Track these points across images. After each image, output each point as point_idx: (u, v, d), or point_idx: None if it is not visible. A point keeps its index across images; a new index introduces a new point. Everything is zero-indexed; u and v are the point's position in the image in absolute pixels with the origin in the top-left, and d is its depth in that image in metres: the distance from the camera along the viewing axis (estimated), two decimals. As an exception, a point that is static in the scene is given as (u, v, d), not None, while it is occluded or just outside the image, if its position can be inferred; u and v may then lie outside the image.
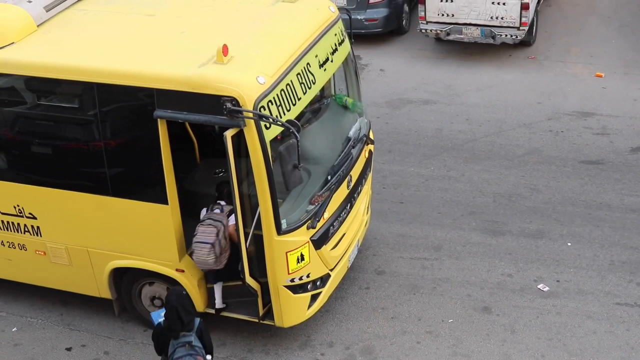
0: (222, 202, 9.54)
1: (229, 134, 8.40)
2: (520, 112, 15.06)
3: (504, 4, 16.25)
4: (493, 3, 16.29)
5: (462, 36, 16.88)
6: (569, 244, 11.60)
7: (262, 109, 8.38)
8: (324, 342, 10.24)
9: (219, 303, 9.90)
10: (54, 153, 9.70)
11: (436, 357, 9.89)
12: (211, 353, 8.46)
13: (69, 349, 10.43)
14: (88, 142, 9.41)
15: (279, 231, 8.96)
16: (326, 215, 9.55)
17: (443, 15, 16.79)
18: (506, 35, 16.50)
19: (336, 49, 10.00)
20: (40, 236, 10.14)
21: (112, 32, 9.73)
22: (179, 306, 8.11)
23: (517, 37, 16.49)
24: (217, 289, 9.86)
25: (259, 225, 9.01)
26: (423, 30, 17.14)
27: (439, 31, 16.97)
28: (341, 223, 9.98)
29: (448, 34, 16.96)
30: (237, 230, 8.98)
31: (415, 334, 10.27)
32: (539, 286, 10.88)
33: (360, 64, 16.53)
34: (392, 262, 11.50)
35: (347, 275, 10.73)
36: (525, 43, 17.28)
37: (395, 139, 14.46)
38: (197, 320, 8.38)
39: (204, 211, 9.66)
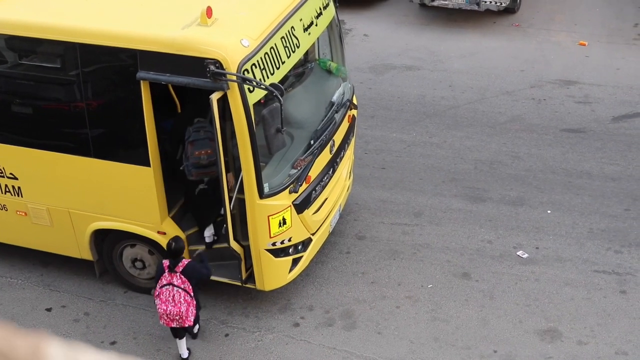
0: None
1: (215, 97, 8.36)
2: (503, 80, 15.08)
3: (489, -30, 16.22)
4: (478, -31, 16.26)
5: (446, 2, 16.85)
6: (549, 211, 11.68)
7: (245, 72, 8.34)
8: (303, 306, 10.29)
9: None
10: (35, 113, 9.63)
11: (415, 322, 9.97)
12: None
13: (49, 310, 10.44)
14: (70, 102, 9.35)
15: (261, 195, 8.97)
16: (308, 179, 9.55)
17: (428, -20, 16.76)
18: (490, 2, 16.48)
19: (321, 13, 9.95)
20: (22, 197, 10.11)
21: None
22: None
23: (501, 4, 16.48)
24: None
25: (241, 189, 9.02)
26: (408, -4, 17.08)
27: (423, -3, 16.93)
28: (323, 187, 10.00)
29: (432, 0, 16.91)
30: (221, 193, 8.96)
31: (394, 298, 10.34)
32: (518, 253, 10.96)
33: (344, 28, 16.45)
34: (373, 227, 11.55)
35: (327, 240, 10.77)
36: (509, 10, 17.27)
37: (378, 104, 14.45)
38: None
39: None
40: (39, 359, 0.99)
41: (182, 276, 8.87)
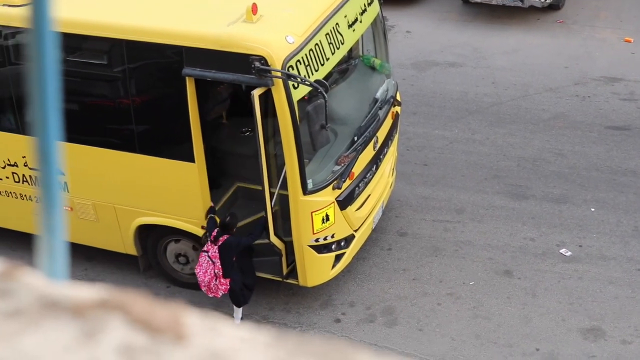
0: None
1: (256, 92, 8.41)
2: (547, 77, 14.97)
3: (533, -34, 16.11)
4: (522, -35, 16.15)
5: (490, -1, 16.75)
6: (593, 209, 11.59)
7: (290, 69, 8.38)
8: (345, 302, 10.32)
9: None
10: (82, 110, 9.74)
11: (457, 319, 9.96)
12: None
13: (93, 304, 10.55)
14: (116, 99, 9.46)
15: (305, 191, 9.01)
16: (352, 176, 9.58)
17: (471, -23, 16.68)
18: (534, -1, 16.36)
19: (365, 10, 9.96)
20: (68, 192, 10.23)
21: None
22: None
23: (545, 0, 16.34)
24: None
25: (283, 185, 9.06)
26: (450, -8, 17.02)
27: (466, -7, 16.85)
28: (367, 184, 10.02)
29: (475, -4, 16.83)
30: (262, 189, 9.02)
31: (436, 295, 10.33)
32: (561, 251, 10.89)
33: (387, 25, 16.42)
34: (415, 224, 11.54)
35: (369, 236, 10.78)
36: (553, 7, 17.11)
37: (420, 101, 14.42)
38: None
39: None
40: (179, 326, 1.05)
41: (218, 250, 9.27)
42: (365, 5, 9.97)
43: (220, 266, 9.25)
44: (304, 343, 1.04)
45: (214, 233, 9.31)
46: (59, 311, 1.06)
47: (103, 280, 10.87)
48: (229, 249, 9.25)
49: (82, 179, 10.08)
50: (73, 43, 9.43)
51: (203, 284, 9.42)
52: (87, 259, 11.20)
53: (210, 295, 9.53)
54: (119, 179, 9.84)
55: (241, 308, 9.84)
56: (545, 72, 15.12)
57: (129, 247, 10.48)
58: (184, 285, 10.62)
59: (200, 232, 9.78)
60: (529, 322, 9.83)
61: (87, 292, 1.10)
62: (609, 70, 15.08)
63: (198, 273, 9.39)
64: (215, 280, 9.30)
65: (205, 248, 9.36)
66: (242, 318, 9.87)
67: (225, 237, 9.28)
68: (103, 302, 1.08)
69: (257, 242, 9.93)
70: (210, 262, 9.26)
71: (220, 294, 9.47)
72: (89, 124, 9.75)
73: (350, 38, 9.58)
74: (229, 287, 9.40)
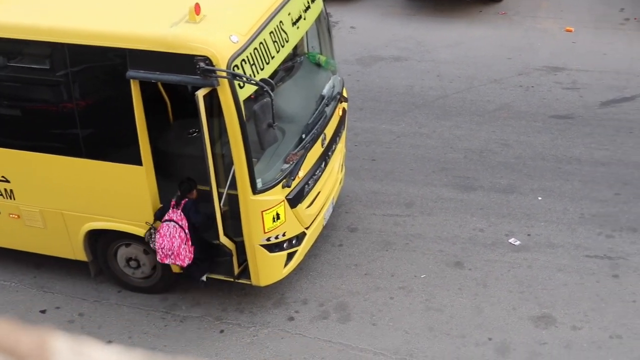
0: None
1: (200, 93, 8.36)
2: (491, 68, 15.12)
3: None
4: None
5: (432, -8, 16.87)
6: (540, 198, 11.74)
7: (235, 68, 8.34)
8: (297, 300, 10.32)
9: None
10: (26, 115, 9.62)
11: (409, 312, 10.02)
12: None
13: (43, 312, 10.43)
14: (60, 104, 9.33)
15: (255, 190, 8.98)
16: (301, 173, 9.58)
17: (413, -29, 16.78)
18: (476, -9, 16.51)
19: (309, 7, 9.95)
20: (14, 199, 10.09)
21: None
22: None
23: (486, -8, 16.51)
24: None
25: (232, 185, 9.03)
26: (393, -13, 17.10)
27: (408, -13, 16.96)
28: (316, 181, 10.02)
29: (418, -10, 16.94)
30: (210, 189, 8.99)
31: (388, 289, 10.38)
32: (510, 240, 11.02)
33: (331, 21, 16.44)
34: (365, 219, 11.58)
35: (320, 233, 10.80)
36: (495, -2, 17.31)
37: (366, 96, 14.48)
38: None
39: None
40: (45, 353, 1.00)
41: (182, 213, 9.24)
42: (308, 3, 9.96)
43: (188, 229, 9.22)
44: None
45: (174, 201, 9.31)
46: None
47: (53, 287, 10.75)
48: (190, 210, 9.27)
49: (28, 186, 9.95)
50: (15, 48, 9.31)
51: (169, 253, 9.27)
52: (36, 266, 11.06)
53: (177, 264, 9.41)
54: (66, 184, 9.72)
55: (204, 276, 9.85)
56: (488, 63, 15.28)
57: (78, 252, 10.36)
58: (135, 290, 10.54)
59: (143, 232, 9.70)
60: (480, 312, 9.93)
61: None
62: (551, 60, 15.28)
63: (162, 244, 9.22)
64: (185, 244, 9.24)
65: (167, 217, 9.27)
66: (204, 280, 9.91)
67: (185, 200, 9.30)
68: None
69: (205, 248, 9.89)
70: (177, 226, 9.21)
71: (187, 262, 9.36)
72: (34, 130, 9.62)
73: (294, 36, 9.57)
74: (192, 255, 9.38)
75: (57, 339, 1.00)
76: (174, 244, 9.22)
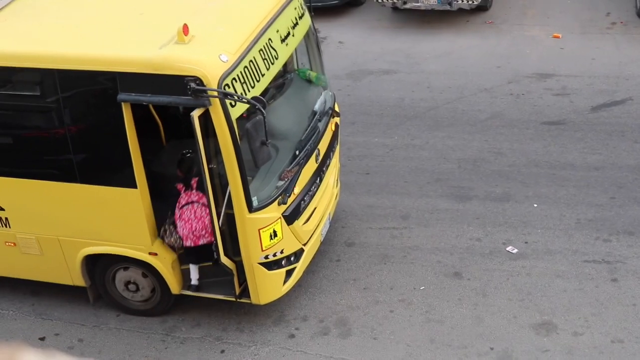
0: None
1: (196, 114, 8.35)
2: (481, 77, 15.16)
3: (458, -30, 16.32)
4: (448, -31, 16.35)
5: (418, 4, 16.93)
6: (535, 205, 11.75)
7: (226, 87, 8.34)
8: (297, 317, 10.29)
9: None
10: (18, 143, 9.60)
11: (410, 325, 9.99)
12: None
13: (42, 339, 10.38)
14: (52, 129, 9.31)
15: (250, 209, 8.97)
16: (296, 190, 9.56)
17: (399, -16, 16.84)
18: (463, 1, 16.57)
19: (297, 23, 9.97)
20: (10, 227, 10.05)
21: (70, 17, 9.62)
22: None
23: (473, 2, 16.58)
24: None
25: (229, 205, 9.01)
26: (380, 0, 17.16)
27: (395, 0, 17.00)
28: (312, 197, 10.01)
29: (405, 3, 17.00)
30: (209, 210, 8.97)
31: (388, 303, 10.35)
32: (507, 248, 11.01)
33: (319, 37, 16.48)
34: (362, 233, 11.57)
35: (318, 249, 10.78)
36: (481, 8, 17.37)
37: (357, 110, 14.49)
38: None
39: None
40: None
41: (199, 192, 9.23)
42: (296, 19, 9.98)
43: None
44: None
45: (180, 185, 9.35)
46: None
47: (52, 314, 10.71)
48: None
49: (23, 213, 9.92)
50: (5, 76, 9.29)
51: (203, 232, 9.29)
52: (34, 293, 11.03)
53: (203, 242, 9.40)
54: (62, 210, 9.69)
55: (197, 267, 9.86)
56: (478, 72, 15.32)
57: (76, 278, 10.32)
58: (134, 313, 10.49)
59: (148, 259, 9.67)
60: (481, 322, 9.91)
61: None
62: (540, 66, 15.33)
63: (193, 227, 9.25)
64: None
65: (184, 202, 9.31)
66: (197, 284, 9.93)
67: (195, 178, 9.30)
68: None
69: (206, 264, 9.89)
70: (200, 205, 9.26)
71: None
72: (27, 157, 9.60)
73: (284, 52, 9.58)
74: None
75: (27, 353, 0.99)
76: (206, 222, 9.25)
